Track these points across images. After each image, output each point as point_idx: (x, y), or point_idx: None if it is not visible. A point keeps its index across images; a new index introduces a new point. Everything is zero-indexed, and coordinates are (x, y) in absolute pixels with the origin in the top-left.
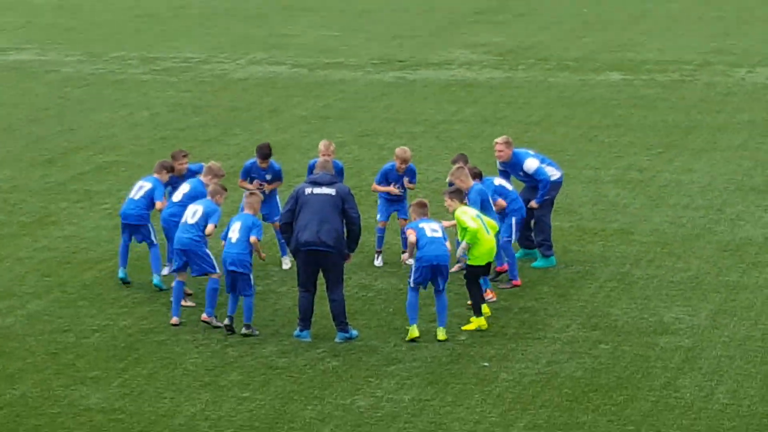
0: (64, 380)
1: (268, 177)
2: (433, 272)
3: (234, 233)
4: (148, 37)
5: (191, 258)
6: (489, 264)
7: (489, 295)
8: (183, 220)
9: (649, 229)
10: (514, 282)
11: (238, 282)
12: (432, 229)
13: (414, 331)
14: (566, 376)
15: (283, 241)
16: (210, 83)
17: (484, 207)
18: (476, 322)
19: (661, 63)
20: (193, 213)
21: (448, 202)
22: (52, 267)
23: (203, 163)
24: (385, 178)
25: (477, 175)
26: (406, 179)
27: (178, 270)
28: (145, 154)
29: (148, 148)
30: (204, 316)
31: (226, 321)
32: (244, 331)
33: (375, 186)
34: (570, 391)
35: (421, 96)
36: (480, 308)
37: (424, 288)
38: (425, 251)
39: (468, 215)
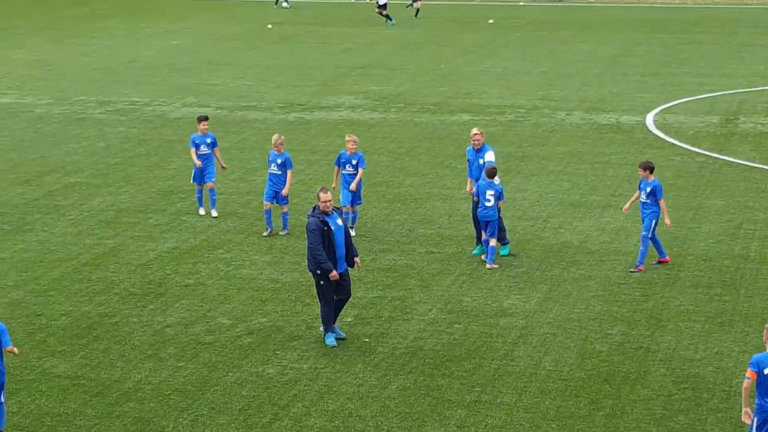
0: (38, 353)
1: (208, 140)
2: None
3: None
4: (103, 85)
5: None
6: None
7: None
8: None
9: None
10: (661, 259)
11: None
12: None
13: None
14: (428, 349)
15: (213, 198)
16: (152, 121)
17: None
18: None
19: (500, 107)
20: None
21: None
22: (29, 265)
23: None
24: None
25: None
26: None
27: None
28: (102, 176)
29: (104, 171)
30: None
31: None
32: None
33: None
34: (431, 360)
35: (316, 132)
36: None
37: None
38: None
39: None
